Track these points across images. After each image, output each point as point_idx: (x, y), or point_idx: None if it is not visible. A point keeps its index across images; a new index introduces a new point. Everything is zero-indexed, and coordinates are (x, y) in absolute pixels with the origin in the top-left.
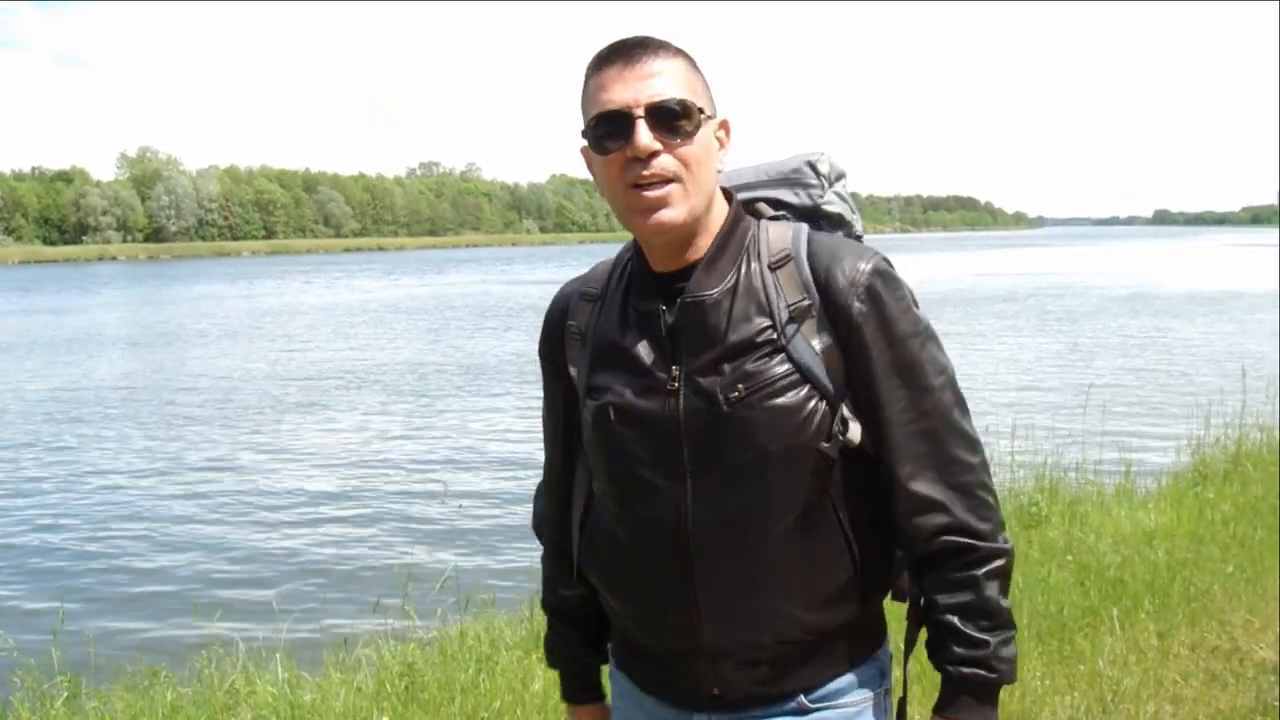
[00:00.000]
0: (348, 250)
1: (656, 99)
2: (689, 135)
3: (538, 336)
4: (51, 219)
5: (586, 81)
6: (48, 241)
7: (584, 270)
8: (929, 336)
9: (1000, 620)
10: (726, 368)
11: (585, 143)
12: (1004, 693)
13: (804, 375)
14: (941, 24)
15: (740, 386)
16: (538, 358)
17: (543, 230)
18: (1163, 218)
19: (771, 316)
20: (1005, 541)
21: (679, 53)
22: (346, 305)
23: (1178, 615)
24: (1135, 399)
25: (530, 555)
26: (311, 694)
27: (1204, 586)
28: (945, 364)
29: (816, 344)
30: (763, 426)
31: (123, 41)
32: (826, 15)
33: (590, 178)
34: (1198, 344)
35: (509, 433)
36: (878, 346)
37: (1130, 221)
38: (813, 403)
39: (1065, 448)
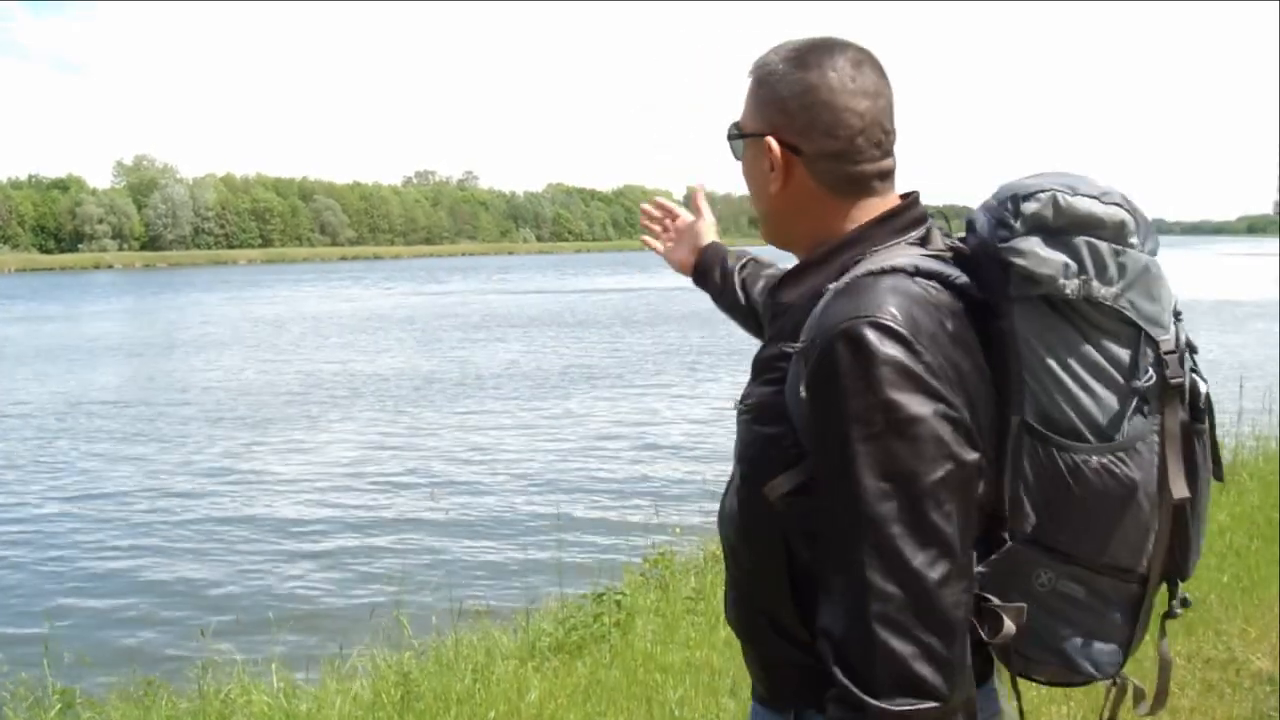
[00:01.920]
0: (344, 259)
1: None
2: (740, 159)
3: (532, 347)
4: (48, 227)
5: None
6: (44, 249)
7: (581, 280)
8: (897, 432)
9: None
10: (752, 378)
11: None
12: None
13: (785, 413)
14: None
15: (749, 401)
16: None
17: (539, 239)
18: (1159, 227)
19: (794, 345)
20: (905, 708)
21: (758, 68)
22: (342, 314)
23: (1173, 625)
24: None
25: (526, 565)
26: (307, 704)
27: (1200, 596)
28: (910, 470)
29: (801, 389)
30: (745, 445)
31: (120, 49)
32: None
33: (591, 187)
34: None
35: (505, 444)
36: (818, 420)
37: None
38: (785, 443)
39: None
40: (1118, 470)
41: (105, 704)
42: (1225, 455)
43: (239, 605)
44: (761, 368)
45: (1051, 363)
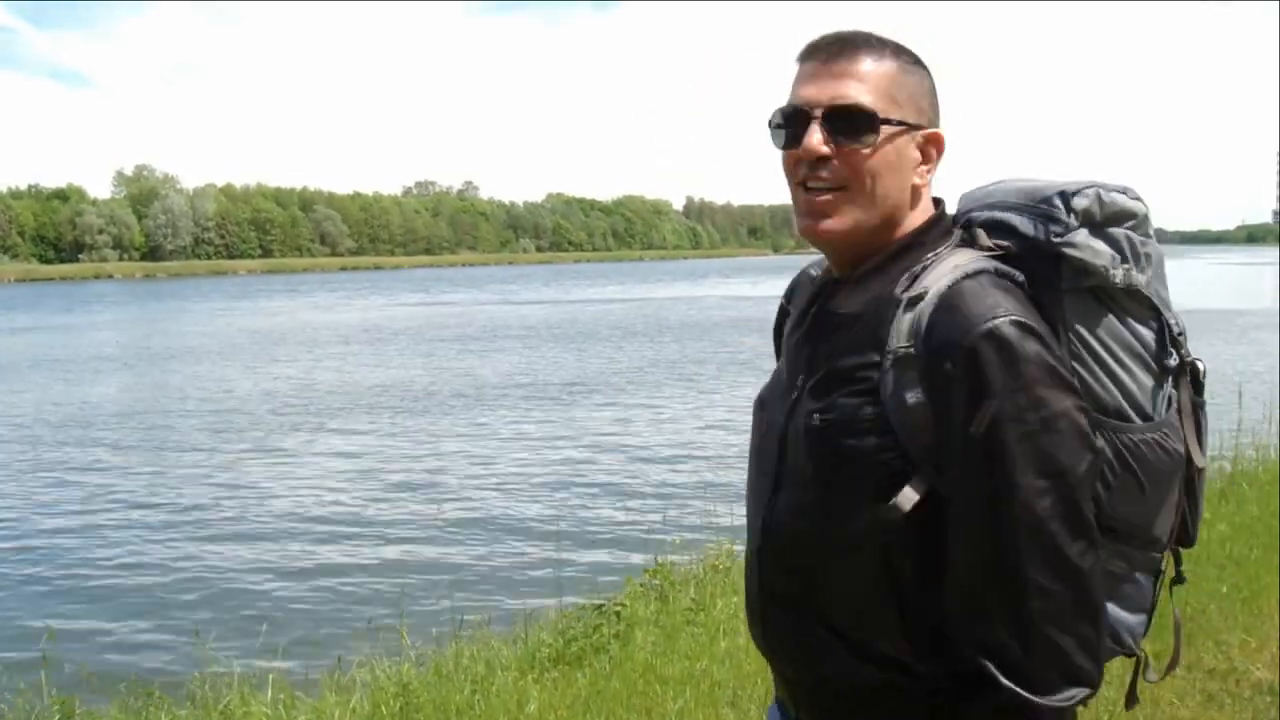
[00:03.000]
0: (344, 269)
1: (838, 102)
2: (868, 144)
3: (531, 358)
4: (48, 237)
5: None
6: (44, 260)
7: (585, 289)
8: (1048, 428)
9: None
10: (824, 392)
11: None
12: None
13: (885, 425)
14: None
15: (827, 415)
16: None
17: (539, 250)
18: (1158, 236)
19: (880, 353)
20: (1067, 700)
21: (893, 55)
22: (342, 325)
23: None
24: None
25: (525, 576)
26: (306, 715)
27: (1200, 606)
28: (1064, 465)
29: (910, 397)
30: (831, 464)
31: (120, 60)
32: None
33: (591, 197)
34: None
35: (505, 454)
36: (960, 418)
37: None
38: (885, 455)
39: None
40: (1168, 445)
41: (104, 715)
42: (1225, 466)
43: (238, 616)
44: (840, 380)
45: (1100, 350)
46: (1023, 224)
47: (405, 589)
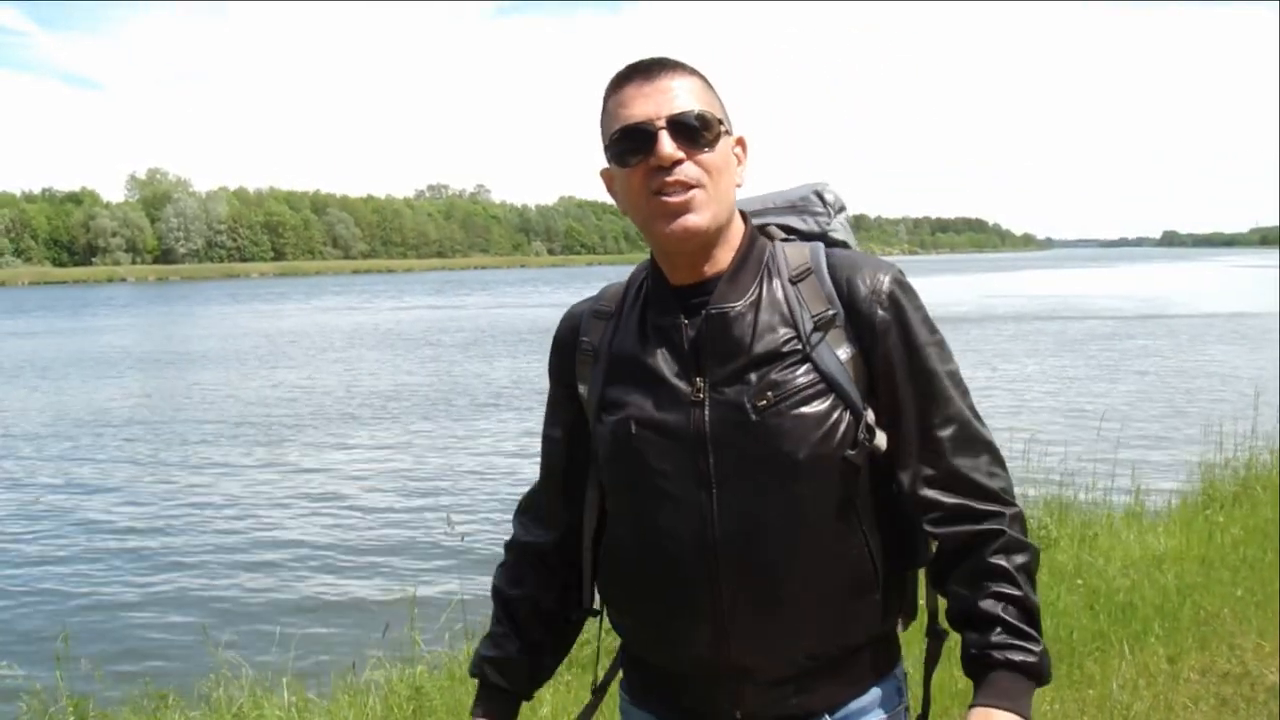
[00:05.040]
0: (356, 272)
1: (677, 110)
2: (710, 144)
3: (543, 364)
4: (61, 240)
5: (606, 101)
6: (57, 263)
7: (594, 291)
8: (943, 345)
9: (1038, 623)
10: (753, 377)
11: (606, 165)
12: None
13: (829, 384)
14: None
15: (769, 394)
16: (548, 377)
17: (551, 253)
18: (1171, 239)
19: (795, 327)
20: (1028, 538)
21: (694, 71)
22: (355, 328)
23: (1187, 639)
24: (1145, 421)
25: None
26: (319, 718)
27: (1214, 610)
28: (958, 371)
29: (841, 353)
30: (790, 434)
31: (133, 64)
32: (832, 37)
33: (603, 200)
34: (1207, 366)
35: (516, 457)
36: (898, 353)
37: (1139, 243)
38: (838, 411)
39: (1074, 470)
40: None
41: (117, 715)
42: (1239, 469)
43: (251, 618)
44: (767, 360)
45: None
46: (796, 222)
47: (418, 591)
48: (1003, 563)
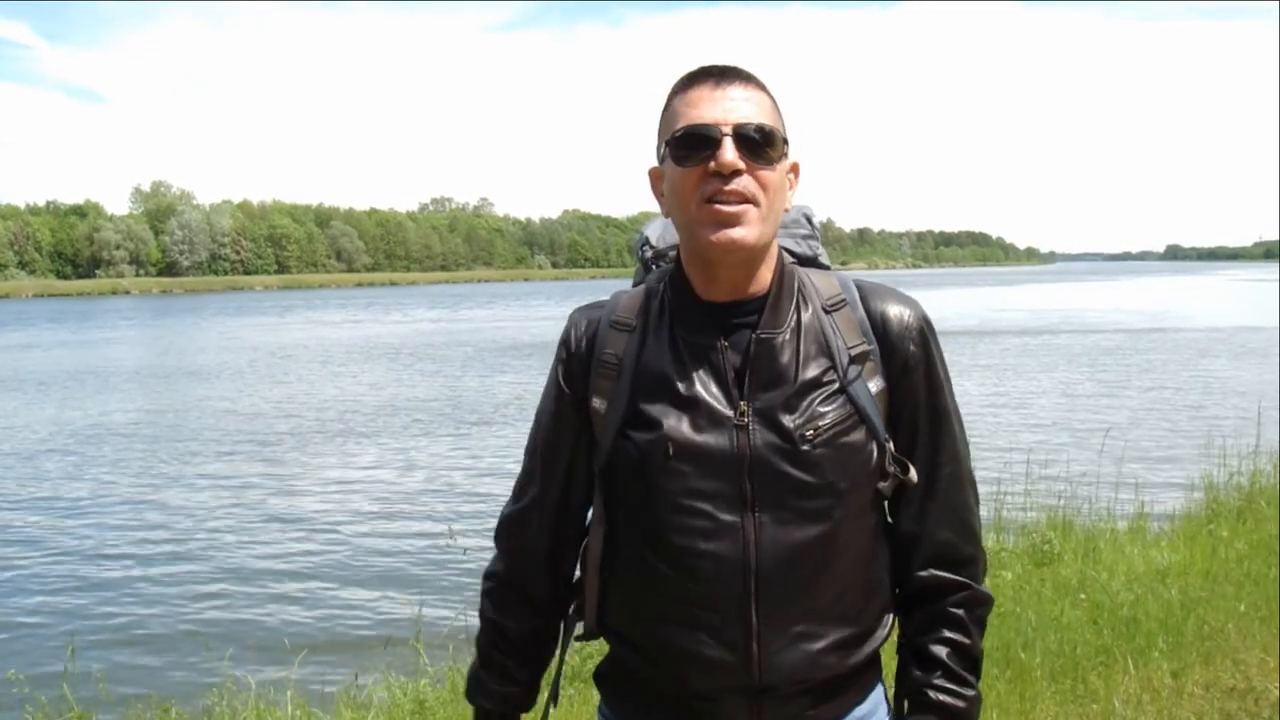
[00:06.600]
0: (360, 285)
1: (745, 120)
2: (771, 162)
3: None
4: (65, 253)
5: (671, 99)
6: (61, 275)
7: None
8: (951, 382)
9: (979, 668)
10: (800, 406)
11: (657, 163)
12: None
13: (861, 417)
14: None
15: (817, 425)
16: (551, 386)
17: (555, 266)
18: (1175, 253)
19: (832, 359)
20: (985, 583)
21: (765, 87)
22: (358, 341)
23: (1191, 654)
24: (1149, 436)
25: None
26: None
27: (1218, 625)
28: (959, 408)
29: (873, 386)
30: (833, 464)
31: (137, 77)
32: (835, 49)
33: (606, 213)
34: (1210, 380)
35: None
36: (923, 390)
37: (1143, 256)
38: (871, 443)
39: (1078, 484)
40: None
41: None
42: (1243, 483)
43: (254, 632)
44: (810, 388)
45: None
46: (792, 244)
47: (422, 605)
48: (961, 614)
